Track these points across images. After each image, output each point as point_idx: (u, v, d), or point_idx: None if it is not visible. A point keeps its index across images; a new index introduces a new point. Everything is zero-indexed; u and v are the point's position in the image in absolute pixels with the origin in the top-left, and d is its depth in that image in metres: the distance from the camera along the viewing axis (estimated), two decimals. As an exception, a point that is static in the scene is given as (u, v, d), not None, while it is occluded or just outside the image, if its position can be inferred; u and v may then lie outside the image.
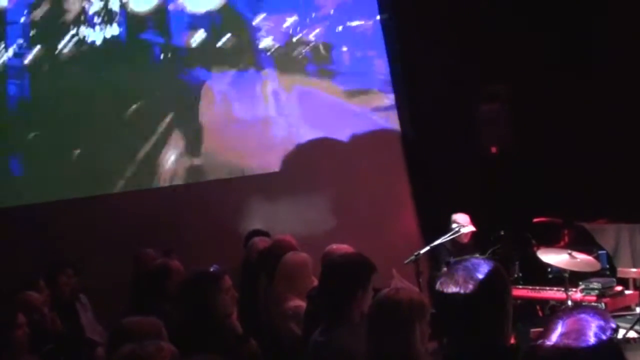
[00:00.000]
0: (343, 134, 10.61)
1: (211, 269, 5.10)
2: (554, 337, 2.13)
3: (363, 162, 10.40)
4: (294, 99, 10.48)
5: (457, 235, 8.12)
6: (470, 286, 2.77)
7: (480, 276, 2.78)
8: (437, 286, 2.85)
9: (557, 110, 9.98)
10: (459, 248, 8.77)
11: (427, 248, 7.49)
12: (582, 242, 9.11)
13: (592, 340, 2.08)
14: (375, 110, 10.88)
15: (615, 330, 2.14)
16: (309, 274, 6.11)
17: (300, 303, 5.79)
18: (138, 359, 3.32)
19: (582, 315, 2.16)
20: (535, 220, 9.82)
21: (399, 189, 10.77)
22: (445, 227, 8.85)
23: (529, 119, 10.14)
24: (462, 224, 8.74)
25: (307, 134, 10.44)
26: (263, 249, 7.52)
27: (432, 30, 10.35)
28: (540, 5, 10.06)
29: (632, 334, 5.75)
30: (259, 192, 10.01)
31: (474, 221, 8.84)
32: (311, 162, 10.31)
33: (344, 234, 8.11)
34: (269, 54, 10.38)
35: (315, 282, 6.04)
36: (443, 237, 7.81)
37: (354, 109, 10.76)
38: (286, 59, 10.51)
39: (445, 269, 6.22)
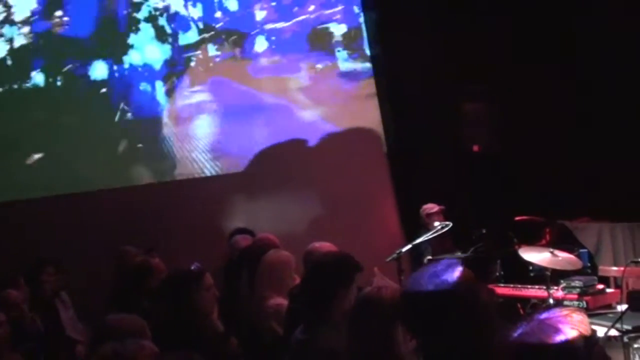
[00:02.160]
0: (325, 132, 10.60)
1: (192, 267, 5.08)
2: (515, 334, 2.13)
3: (344, 161, 10.38)
4: (276, 95, 10.48)
5: (441, 232, 8.08)
6: (433, 287, 2.76)
7: (446, 278, 2.78)
8: (404, 286, 2.85)
9: (540, 109, 10.00)
10: (440, 245, 8.76)
11: (409, 246, 7.48)
12: (563, 241, 9.13)
13: (552, 341, 2.07)
14: (356, 108, 10.86)
15: (589, 339, 2.11)
16: (290, 272, 6.12)
17: (281, 301, 5.79)
18: (120, 358, 3.30)
19: (553, 317, 2.15)
20: (516, 218, 9.83)
21: (381, 187, 10.76)
22: (420, 222, 8.91)
23: (511, 117, 10.16)
24: (435, 216, 8.78)
25: (289, 133, 10.42)
26: (245, 247, 7.52)
27: (415, 27, 10.35)
28: (524, 4, 10.08)
29: (613, 332, 5.76)
30: (241, 190, 9.98)
31: (455, 219, 8.83)
32: (292, 160, 10.29)
33: (326, 232, 8.11)
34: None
35: (297, 281, 6.04)
36: (425, 235, 7.79)
37: (335, 107, 10.74)
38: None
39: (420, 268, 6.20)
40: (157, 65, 9.84)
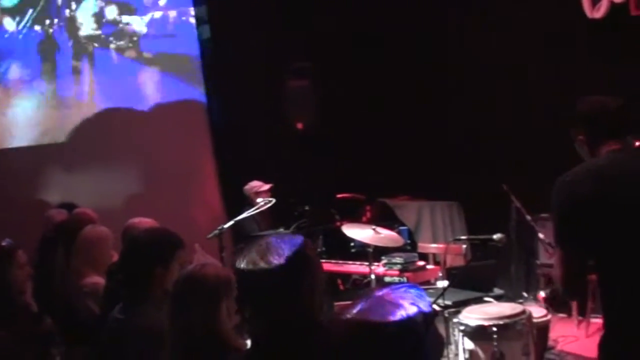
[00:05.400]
0: (146, 103, 10.39)
1: (3, 244, 4.84)
2: (354, 311, 2.06)
3: (167, 134, 10.21)
4: (90, 63, 10.17)
5: (264, 207, 8.03)
6: (272, 261, 2.67)
7: (283, 251, 2.69)
8: (237, 262, 2.76)
9: (363, 89, 10.12)
10: (264, 221, 8.74)
11: (232, 222, 7.39)
12: (384, 218, 9.32)
13: (393, 318, 2.01)
14: (180, 80, 10.67)
15: (427, 315, 2.07)
16: (108, 249, 5.95)
17: (98, 280, 5.61)
18: None
19: (392, 293, 2.10)
20: (338, 196, 9.95)
21: (203, 162, 10.67)
22: (245, 201, 8.82)
23: (335, 96, 10.24)
24: (264, 194, 8.73)
25: (107, 102, 10.15)
26: (60, 222, 7.24)
27: (243, 7, 10.27)
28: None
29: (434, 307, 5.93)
30: (56, 162, 9.69)
31: (278, 196, 8.81)
32: (111, 131, 10.04)
33: (146, 207, 7.95)
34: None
35: (115, 258, 5.86)
36: (250, 211, 7.71)
37: (157, 76, 10.52)
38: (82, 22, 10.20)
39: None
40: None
